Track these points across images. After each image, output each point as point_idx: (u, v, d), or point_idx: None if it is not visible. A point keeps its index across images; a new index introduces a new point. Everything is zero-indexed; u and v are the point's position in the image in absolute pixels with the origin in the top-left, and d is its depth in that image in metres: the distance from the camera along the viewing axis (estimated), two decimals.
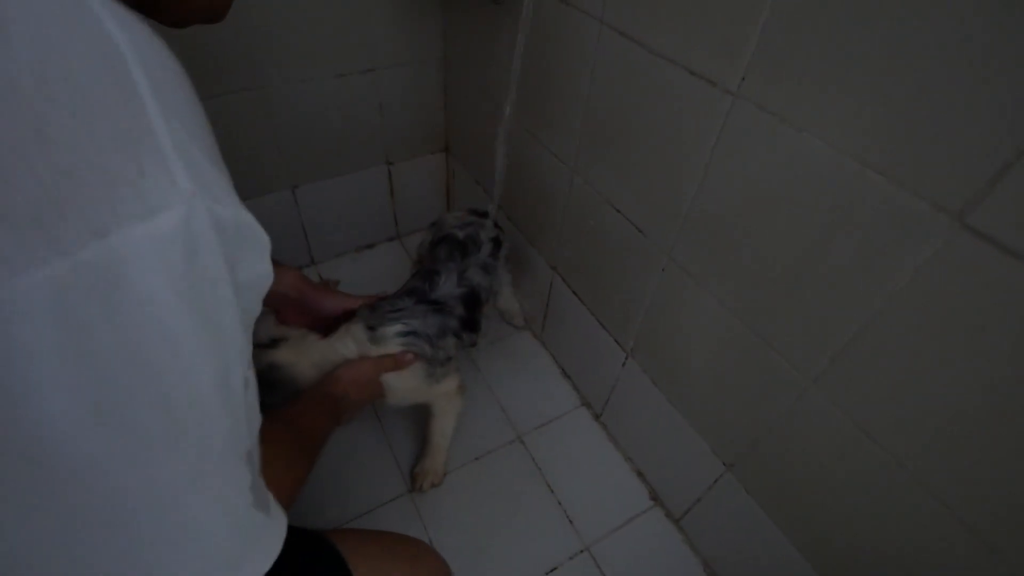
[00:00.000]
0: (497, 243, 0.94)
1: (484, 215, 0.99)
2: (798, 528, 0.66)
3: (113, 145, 0.22)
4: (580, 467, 0.96)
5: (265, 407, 0.35)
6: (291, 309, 0.80)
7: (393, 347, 0.76)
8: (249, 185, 1.07)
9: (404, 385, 0.79)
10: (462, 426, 0.98)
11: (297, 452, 0.55)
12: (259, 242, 0.30)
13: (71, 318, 0.21)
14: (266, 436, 0.46)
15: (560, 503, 0.91)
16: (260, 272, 0.30)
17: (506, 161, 0.99)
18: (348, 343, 0.75)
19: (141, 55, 0.24)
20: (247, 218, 0.28)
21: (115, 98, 0.23)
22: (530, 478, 0.94)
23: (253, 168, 1.06)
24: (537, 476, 0.95)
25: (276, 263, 0.76)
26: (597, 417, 1.03)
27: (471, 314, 0.84)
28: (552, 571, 0.83)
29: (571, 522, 0.89)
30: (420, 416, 0.93)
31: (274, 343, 0.73)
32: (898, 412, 0.49)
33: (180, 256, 0.23)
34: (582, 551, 0.86)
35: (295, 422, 0.61)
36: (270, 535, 0.35)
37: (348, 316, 0.78)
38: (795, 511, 0.65)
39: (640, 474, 0.95)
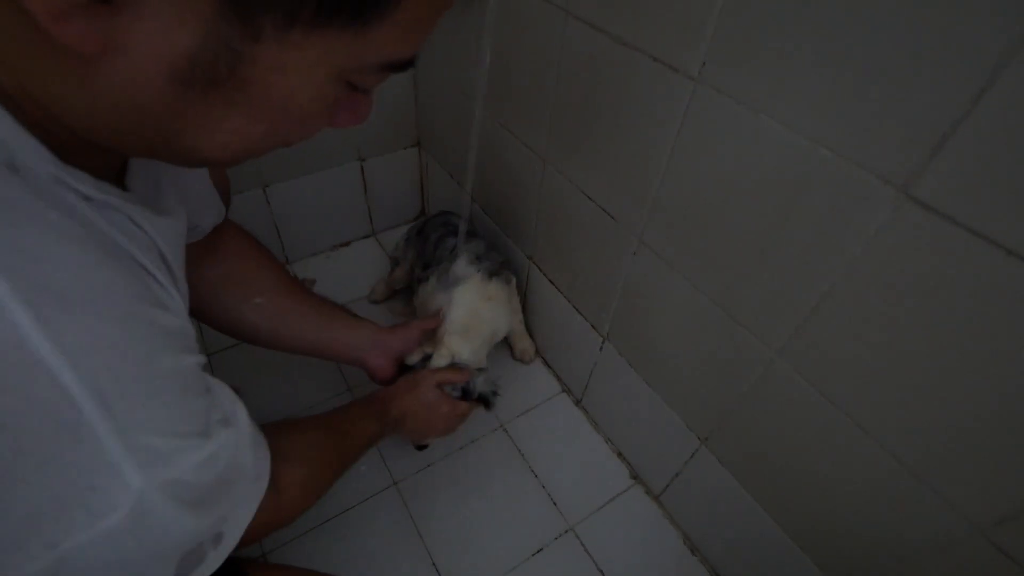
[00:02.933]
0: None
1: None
2: (770, 496, 0.69)
3: (61, 478, 0.24)
4: (562, 451, 0.98)
5: None
6: (378, 364, 0.79)
7: (471, 272, 0.89)
8: None
9: (502, 304, 0.92)
10: None
11: (327, 463, 0.56)
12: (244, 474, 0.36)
13: None
14: (303, 440, 0.52)
15: (544, 487, 0.93)
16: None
17: (478, 153, 1.00)
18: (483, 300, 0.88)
19: (77, 354, 0.24)
20: (218, 448, 0.32)
21: (54, 432, 0.24)
22: (514, 464, 0.96)
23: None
24: (521, 462, 0.96)
25: (353, 319, 0.76)
26: (577, 402, 1.05)
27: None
28: (538, 552, 0.85)
29: (555, 504, 0.91)
30: None
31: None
32: (857, 377, 0.51)
33: (128, 534, 0.27)
34: (567, 531, 0.88)
35: (336, 431, 0.61)
36: None
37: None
38: (766, 479, 0.68)
39: (620, 454, 0.98)
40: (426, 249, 1.03)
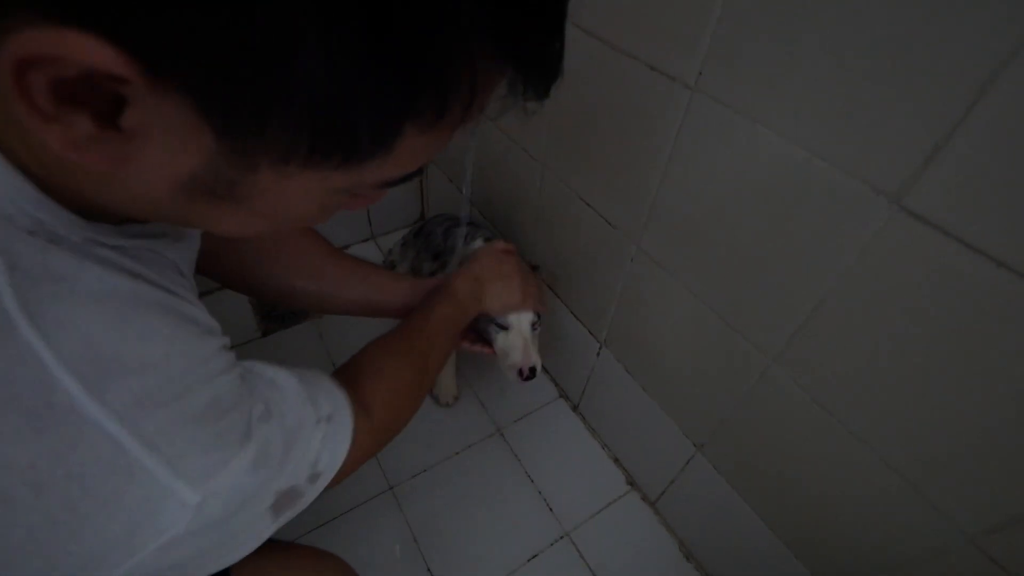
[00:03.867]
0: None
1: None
2: (764, 502, 0.69)
3: (124, 511, 0.27)
4: (559, 457, 0.98)
5: None
6: None
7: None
8: None
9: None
10: (442, 422, 0.99)
11: (414, 374, 0.59)
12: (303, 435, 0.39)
13: None
14: (384, 370, 0.56)
15: (540, 492, 0.93)
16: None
17: (476, 158, 1.00)
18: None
19: (121, 411, 0.27)
20: (265, 441, 0.34)
21: (111, 474, 0.27)
22: (510, 470, 0.96)
23: None
24: (517, 467, 0.96)
25: (391, 275, 0.77)
26: (575, 408, 1.06)
27: None
28: (534, 558, 0.85)
29: (551, 510, 0.91)
30: None
31: None
32: (851, 385, 0.52)
33: (200, 533, 0.31)
34: (562, 537, 0.88)
35: (409, 329, 0.63)
36: None
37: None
38: (761, 486, 0.68)
39: (617, 460, 0.98)
40: (432, 243, 1.02)
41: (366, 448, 0.47)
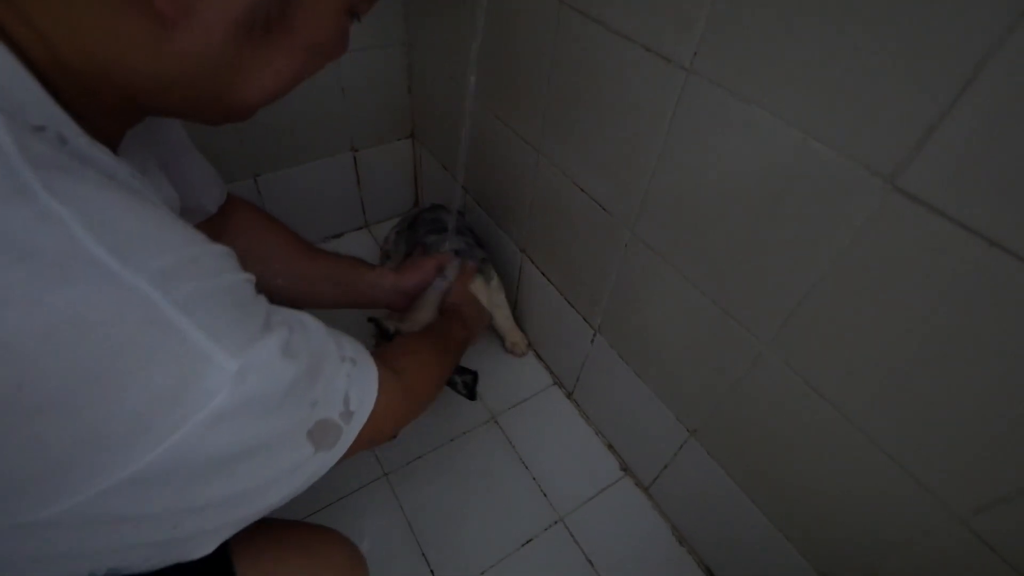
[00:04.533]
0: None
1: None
2: (757, 486, 0.69)
3: (162, 372, 0.27)
4: (553, 443, 0.99)
5: None
6: (399, 306, 0.86)
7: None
8: None
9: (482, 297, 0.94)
10: (437, 410, 0.99)
11: (437, 355, 0.64)
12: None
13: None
14: (409, 346, 0.60)
15: (534, 478, 0.94)
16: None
17: (471, 144, 1.00)
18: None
19: (159, 280, 0.27)
20: (292, 334, 0.35)
21: (148, 336, 0.26)
22: (505, 456, 0.96)
23: (212, 156, 1.03)
24: (512, 454, 0.97)
25: (367, 268, 0.83)
26: (569, 395, 1.06)
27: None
28: (528, 543, 0.86)
29: (545, 495, 0.92)
30: None
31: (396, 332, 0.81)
32: (843, 368, 0.52)
33: (239, 414, 0.30)
34: (556, 522, 0.88)
35: (432, 333, 0.70)
36: None
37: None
38: (753, 470, 0.69)
39: (611, 446, 0.98)
40: (414, 244, 1.03)
41: (397, 405, 0.47)
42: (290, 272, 0.73)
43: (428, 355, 0.62)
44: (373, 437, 0.44)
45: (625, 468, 0.96)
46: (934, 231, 0.40)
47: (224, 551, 0.47)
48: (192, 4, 0.27)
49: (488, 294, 0.97)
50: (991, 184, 0.37)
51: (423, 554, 0.83)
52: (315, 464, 0.38)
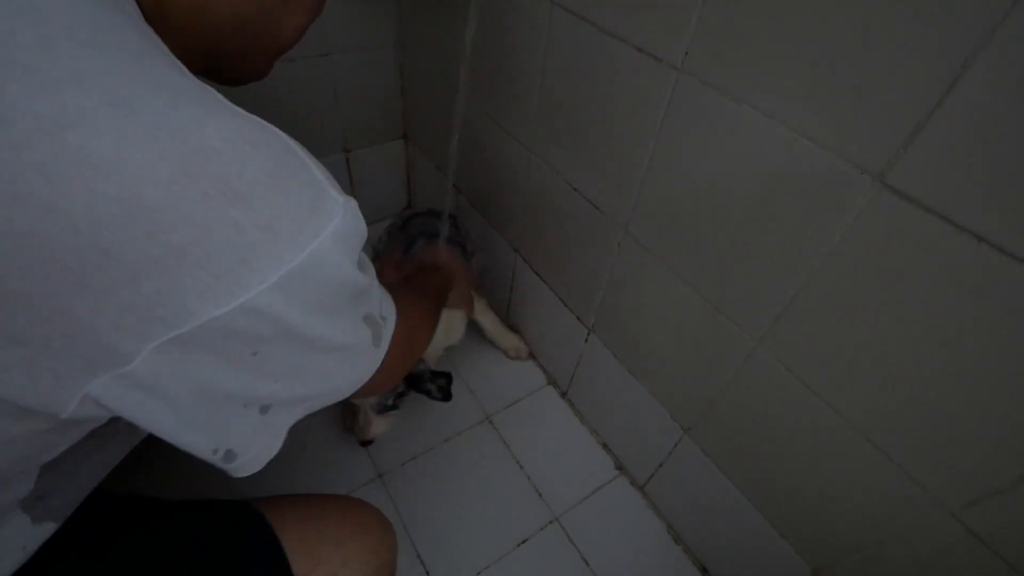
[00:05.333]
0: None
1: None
2: (751, 483, 0.70)
3: (301, 192, 0.30)
4: (548, 443, 0.99)
5: None
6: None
7: None
8: None
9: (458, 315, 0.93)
10: (431, 410, 0.99)
11: (428, 305, 0.66)
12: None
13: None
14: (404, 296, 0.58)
15: (529, 478, 0.94)
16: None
17: (464, 144, 0.99)
18: None
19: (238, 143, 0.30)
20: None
21: (295, 163, 0.31)
22: (499, 456, 0.96)
23: None
24: (506, 454, 0.97)
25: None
26: (563, 394, 1.06)
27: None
28: (524, 543, 0.86)
29: (540, 495, 0.92)
30: None
31: None
32: (835, 365, 0.52)
33: (348, 239, 0.33)
34: (552, 522, 0.89)
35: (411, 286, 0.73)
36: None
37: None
38: (748, 467, 0.69)
39: (605, 446, 0.98)
40: (406, 245, 1.01)
41: (400, 345, 0.48)
42: None
43: (422, 306, 0.63)
44: (387, 372, 0.46)
45: (620, 467, 0.96)
46: (924, 228, 0.41)
47: (267, 527, 0.51)
48: None
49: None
50: (980, 181, 0.37)
51: (418, 555, 0.83)
52: (367, 357, 0.41)
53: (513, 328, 1.13)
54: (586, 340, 0.91)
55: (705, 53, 0.52)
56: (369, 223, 1.28)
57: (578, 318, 0.91)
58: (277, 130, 0.31)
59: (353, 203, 0.34)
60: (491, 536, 0.86)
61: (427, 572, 0.82)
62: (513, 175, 0.91)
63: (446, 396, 0.85)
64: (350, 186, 1.27)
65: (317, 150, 1.14)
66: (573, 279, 0.88)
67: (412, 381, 0.81)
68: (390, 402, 0.80)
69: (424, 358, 0.85)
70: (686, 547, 0.87)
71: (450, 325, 0.92)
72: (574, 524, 0.89)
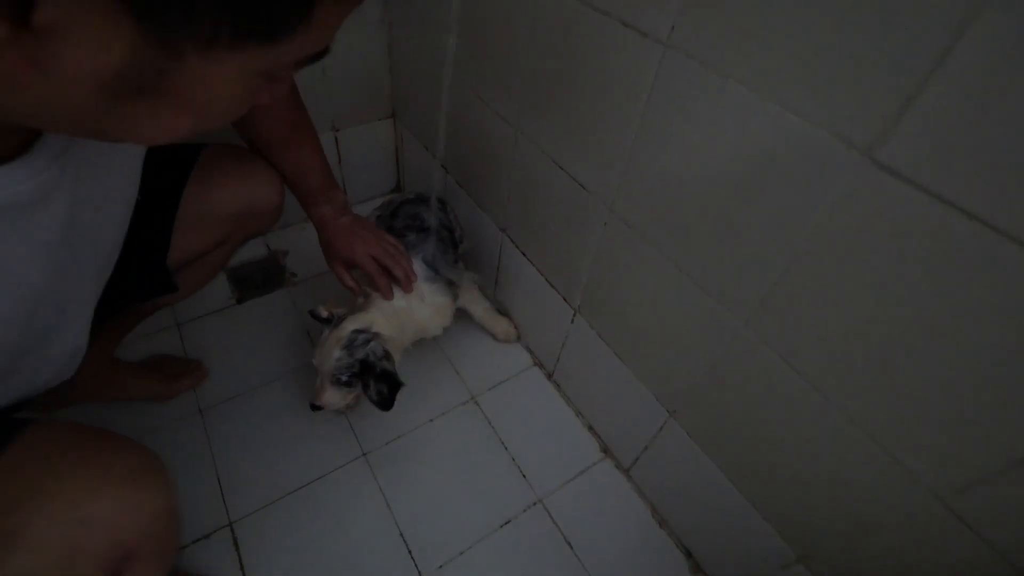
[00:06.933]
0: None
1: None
2: (736, 466, 0.69)
3: None
4: (533, 424, 0.98)
5: None
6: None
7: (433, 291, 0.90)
8: None
9: (438, 312, 0.91)
10: (416, 389, 0.98)
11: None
12: None
13: None
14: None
15: (514, 459, 0.93)
16: None
17: (451, 123, 0.97)
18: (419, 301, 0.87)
19: None
20: None
21: None
22: (484, 437, 0.96)
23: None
24: (491, 434, 0.96)
25: (325, 202, 0.85)
26: (549, 376, 1.05)
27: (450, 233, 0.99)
28: (507, 524, 0.86)
29: (524, 477, 0.91)
30: None
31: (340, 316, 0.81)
32: (820, 346, 0.51)
33: None
34: (535, 503, 0.88)
35: None
36: None
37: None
38: (732, 450, 0.69)
39: (591, 428, 0.98)
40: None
41: None
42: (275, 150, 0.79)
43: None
44: None
45: (605, 450, 0.96)
46: (911, 204, 0.40)
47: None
48: (48, 64, 0.24)
49: (447, 304, 0.93)
50: (969, 157, 0.36)
51: (401, 534, 0.83)
52: None
53: (501, 310, 1.12)
54: (572, 321, 0.90)
55: (691, 27, 0.50)
56: (359, 201, 1.27)
57: (564, 298, 0.90)
58: None
59: None
60: (474, 516, 0.86)
61: (409, 551, 0.82)
62: (499, 154, 0.89)
63: (384, 404, 0.78)
64: (339, 166, 1.25)
65: None
66: (559, 259, 0.87)
67: (364, 369, 0.79)
68: (345, 377, 0.79)
69: (393, 350, 0.82)
70: (670, 530, 0.87)
71: (436, 312, 0.91)
72: (558, 506, 0.88)
